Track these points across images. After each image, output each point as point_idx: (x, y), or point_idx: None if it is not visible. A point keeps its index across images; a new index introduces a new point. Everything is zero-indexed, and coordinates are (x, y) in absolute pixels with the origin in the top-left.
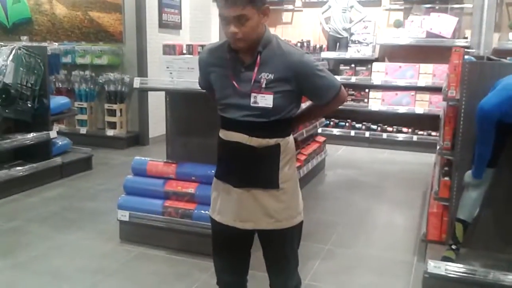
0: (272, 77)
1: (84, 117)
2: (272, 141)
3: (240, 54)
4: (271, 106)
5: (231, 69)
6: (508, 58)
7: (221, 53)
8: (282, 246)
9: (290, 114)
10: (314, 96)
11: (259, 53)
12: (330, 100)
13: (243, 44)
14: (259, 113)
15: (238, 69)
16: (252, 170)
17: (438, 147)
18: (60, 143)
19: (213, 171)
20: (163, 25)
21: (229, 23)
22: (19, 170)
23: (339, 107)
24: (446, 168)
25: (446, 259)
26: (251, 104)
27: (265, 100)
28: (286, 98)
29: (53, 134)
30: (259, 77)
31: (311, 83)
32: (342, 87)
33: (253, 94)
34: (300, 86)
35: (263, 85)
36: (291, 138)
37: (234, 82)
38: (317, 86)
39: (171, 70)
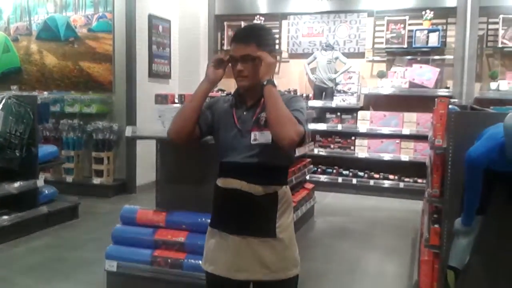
0: None
1: (71, 165)
2: (270, 189)
3: (245, 97)
4: (270, 141)
5: (236, 112)
6: (491, 107)
7: (228, 102)
8: None
9: (286, 159)
10: None
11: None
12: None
13: (247, 83)
14: (258, 153)
15: (241, 111)
16: (249, 217)
17: (426, 195)
18: (46, 191)
19: (203, 219)
20: (152, 74)
21: (237, 63)
22: (5, 220)
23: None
24: (435, 215)
25: None
26: (252, 142)
27: (265, 136)
28: None
29: (40, 182)
30: (259, 116)
31: None
32: (303, 131)
33: (253, 132)
34: None
35: (262, 122)
36: (288, 188)
37: (236, 123)
38: None
39: (163, 119)
